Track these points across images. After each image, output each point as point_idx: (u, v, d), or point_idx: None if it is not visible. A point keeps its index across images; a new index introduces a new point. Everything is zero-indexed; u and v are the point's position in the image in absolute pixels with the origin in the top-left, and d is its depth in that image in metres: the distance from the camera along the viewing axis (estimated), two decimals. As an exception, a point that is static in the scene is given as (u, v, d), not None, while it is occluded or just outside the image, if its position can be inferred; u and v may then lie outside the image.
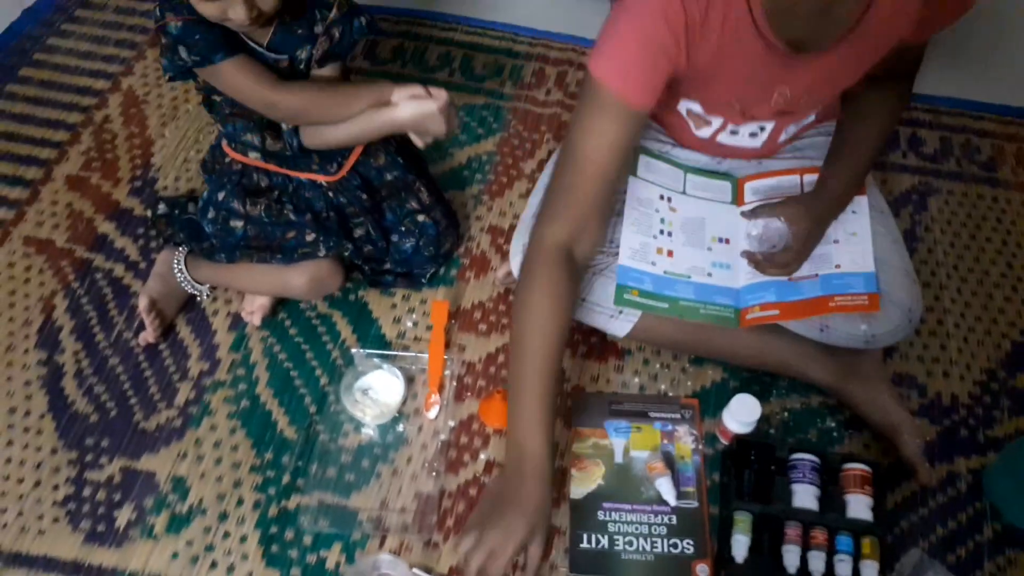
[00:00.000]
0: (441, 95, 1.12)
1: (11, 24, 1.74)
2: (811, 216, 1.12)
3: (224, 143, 1.25)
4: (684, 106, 1.14)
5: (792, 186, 1.20)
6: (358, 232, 1.28)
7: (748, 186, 1.24)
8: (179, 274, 1.30)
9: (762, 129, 1.15)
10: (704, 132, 1.18)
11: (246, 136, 1.20)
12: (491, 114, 1.62)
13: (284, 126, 1.19)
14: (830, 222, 1.14)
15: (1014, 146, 1.56)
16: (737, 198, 1.23)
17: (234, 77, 1.09)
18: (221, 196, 1.24)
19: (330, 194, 1.27)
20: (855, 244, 1.15)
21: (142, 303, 1.26)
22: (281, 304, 1.33)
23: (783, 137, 1.18)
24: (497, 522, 0.94)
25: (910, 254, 1.22)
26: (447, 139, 1.18)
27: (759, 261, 1.14)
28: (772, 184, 1.22)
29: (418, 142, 1.16)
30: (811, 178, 1.19)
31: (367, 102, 1.13)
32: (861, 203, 1.18)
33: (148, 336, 1.27)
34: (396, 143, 1.33)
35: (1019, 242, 1.42)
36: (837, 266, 1.14)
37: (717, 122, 1.15)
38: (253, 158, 1.23)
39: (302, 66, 1.15)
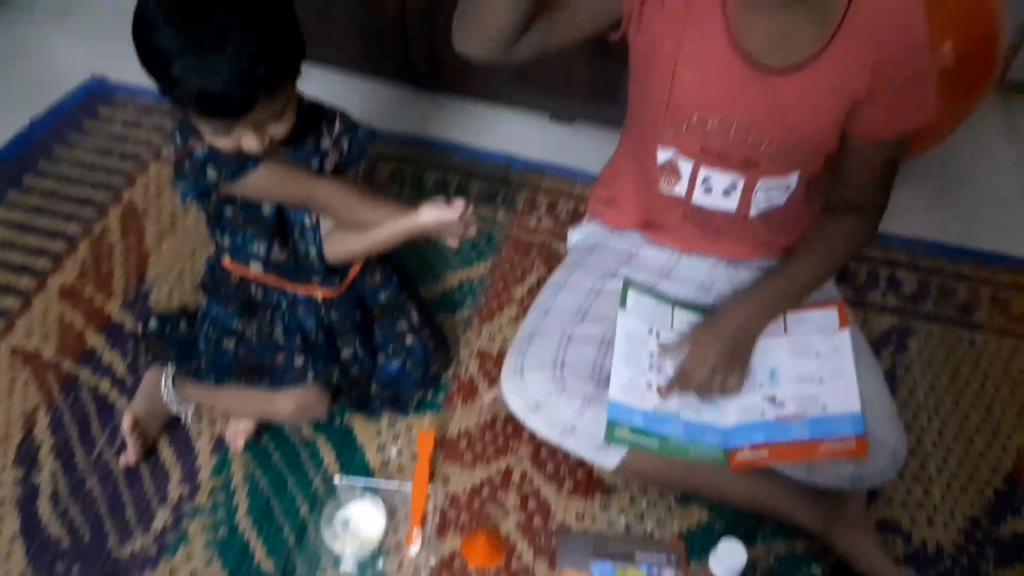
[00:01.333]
0: (459, 204, 1.14)
1: (18, 133, 1.79)
2: (713, 333, 1.15)
3: (226, 258, 1.25)
4: (661, 155, 1.18)
5: (776, 325, 1.22)
6: (346, 352, 1.29)
7: (734, 323, 1.26)
8: (166, 393, 1.29)
9: (734, 187, 1.17)
10: (679, 189, 1.20)
11: (253, 246, 1.20)
12: (483, 239, 1.66)
13: (298, 235, 1.21)
14: (738, 340, 1.16)
15: (989, 290, 1.61)
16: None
17: (269, 178, 1.10)
18: (216, 310, 1.25)
19: (323, 311, 1.28)
20: (840, 383, 1.17)
21: (126, 422, 1.24)
22: (265, 427, 1.32)
23: (755, 207, 1.19)
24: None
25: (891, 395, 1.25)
26: (469, 241, 1.24)
27: (675, 386, 1.16)
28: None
29: (451, 242, 1.17)
30: (794, 316, 1.22)
31: (390, 208, 1.15)
32: (844, 340, 1.20)
33: (129, 457, 1.25)
34: (393, 262, 1.36)
35: (997, 387, 1.45)
36: (824, 407, 1.15)
37: (687, 168, 1.17)
38: (254, 269, 1.23)
39: None
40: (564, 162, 1.82)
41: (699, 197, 1.20)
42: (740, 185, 1.16)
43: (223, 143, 1.04)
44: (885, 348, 1.50)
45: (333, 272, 1.26)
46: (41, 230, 1.61)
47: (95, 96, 1.90)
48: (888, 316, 1.56)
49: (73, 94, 1.89)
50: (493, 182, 1.78)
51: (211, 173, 1.08)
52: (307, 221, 1.19)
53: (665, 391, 1.17)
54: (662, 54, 1.08)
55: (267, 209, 1.16)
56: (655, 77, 1.12)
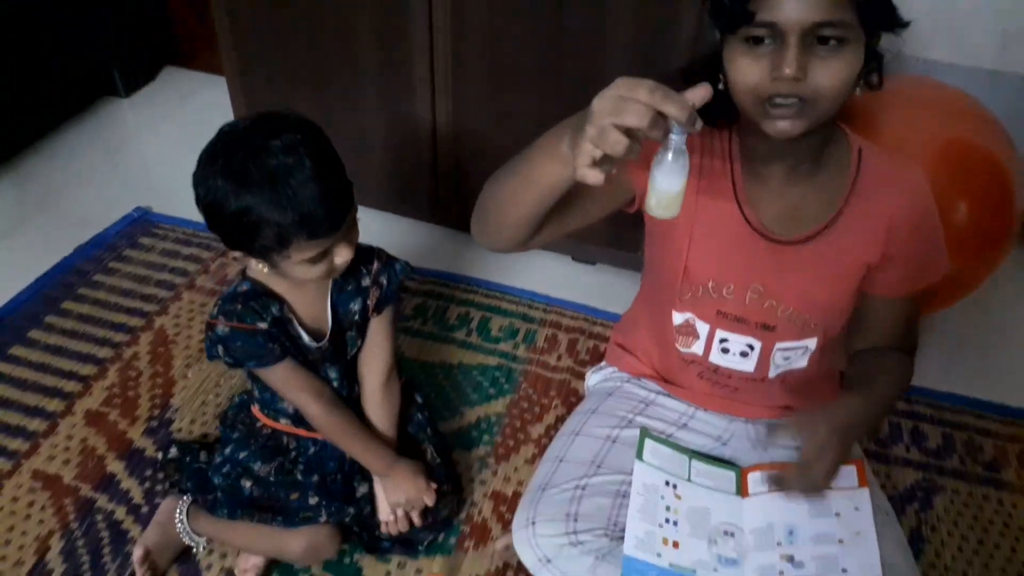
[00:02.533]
0: (421, 502, 1.28)
1: (63, 259, 1.88)
2: (827, 422, 1.01)
3: (255, 407, 1.30)
4: (677, 317, 1.19)
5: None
6: (361, 490, 1.29)
7: (751, 476, 1.24)
8: (179, 524, 1.30)
9: (751, 348, 1.17)
10: (697, 348, 1.20)
11: (281, 404, 1.26)
12: (503, 375, 1.67)
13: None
14: (850, 435, 1.04)
15: (1017, 447, 1.58)
16: (742, 488, 1.24)
17: (273, 380, 1.20)
18: (242, 455, 1.27)
19: (347, 456, 1.30)
20: (860, 545, 1.13)
21: (137, 553, 1.24)
22: (275, 564, 1.30)
23: (773, 370, 1.19)
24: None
25: (917, 556, 1.21)
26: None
27: (784, 481, 1.05)
28: (776, 475, 1.23)
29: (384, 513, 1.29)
30: (813, 472, 1.20)
31: (367, 462, 1.27)
32: (864, 499, 1.18)
33: (137, 589, 1.24)
34: (420, 398, 1.41)
35: (1029, 550, 1.40)
36: (844, 570, 1.12)
37: (704, 330, 1.18)
38: (284, 424, 1.28)
39: (356, 317, 1.24)
40: (586, 301, 1.85)
41: (716, 357, 1.21)
42: (758, 348, 1.18)
43: (319, 270, 1.10)
44: (910, 505, 1.46)
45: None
46: (74, 354, 1.66)
47: (138, 226, 2.00)
48: (912, 471, 1.53)
49: (117, 223, 1.99)
50: (514, 318, 1.81)
51: (220, 351, 1.16)
52: (332, 375, 1.25)
53: (774, 485, 1.11)
54: (676, 226, 1.12)
55: None
56: (669, 247, 1.16)
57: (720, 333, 1.18)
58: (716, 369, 1.23)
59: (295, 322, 1.19)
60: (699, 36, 1.49)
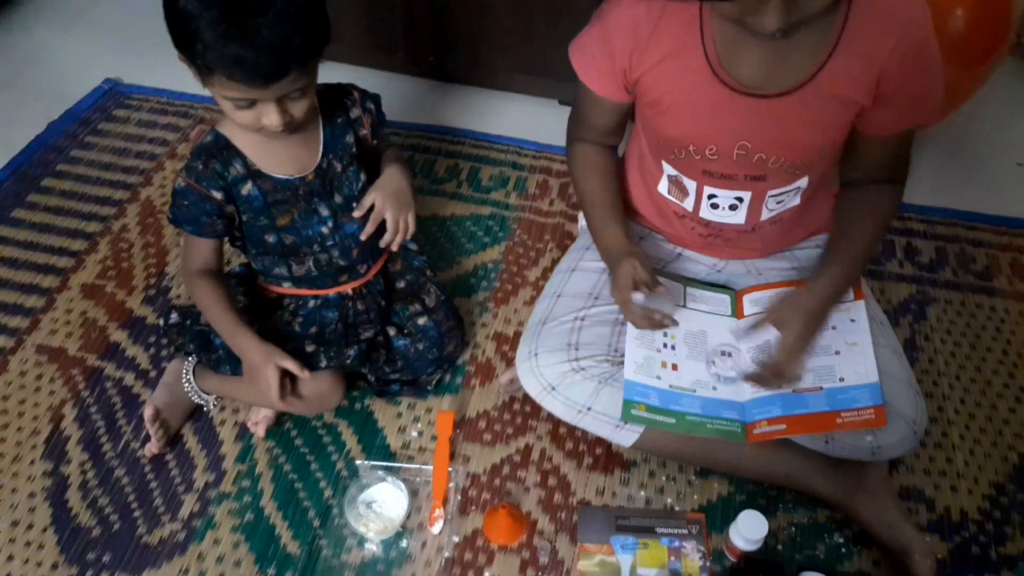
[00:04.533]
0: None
1: (37, 136, 1.82)
2: (801, 314, 1.08)
3: (261, 280, 1.32)
4: (666, 171, 1.19)
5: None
6: (366, 334, 1.31)
7: (747, 298, 1.26)
8: (187, 384, 1.32)
9: (740, 201, 1.17)
10: (687, 203, 1.21)
11: (276, 270, 1.27)
12: (497, 224, 1.66)
13: (318, 248, 1.25)
14: (825, 317, 1.11)
15: (1008, 256, 1.59)
16: (737, 311, 1.26)
17: (185, 244, 1.24)
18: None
19: (349, 303, 1.30)
20: (857, 355, 1.16)
21: (147, 413, 1.27)
22: (287, 414, 1.34)
23: (766, 214, 1.19)
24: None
25: (911, 364, 1.24)
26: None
27: (764, 378, 1.13)
28: (770, 296, 1.24)
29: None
30: (809, 290, 1.22)
31: (238, 348, 1.21)
32: (859, 311, 1.20)
33: (152, 447, 1.27)
34: (417, 245, 1.40)
35: (1020, 352, 1.44)
36: (841, 379, 1.15)
37: (692, 186, 1.18)
38: (287, 287, 1.29)
39: (353, 149, 1.23)
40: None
41: (706, 212, 1.21)
42: (747, 199, 1.17)
43: (243, 118, 1.06)
44: (904, 317, 1.49)
45: (360, 262, 1.29)
46: (62, 230, 1.64)
47: (109, 98, 1.93)
48: (906, 285, 1.55)
49: (87, 97, 1.92)
50: (504, 166, 1.78)
51: (172, 203, 1.18)
52: (324, 230, 1.23)
53: (750, 379, 1.14)
54: (654, 98, 1.10)
55: (271, 239, 1.21)
56: (650, 115, 1.14)
57: (708, 190, 1.17)
58: (707, 223, 1.22)
59: (263, 172, 1.17)
60: None
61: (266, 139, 1.14)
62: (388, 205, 1.23)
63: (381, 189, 1.25)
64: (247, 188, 1.17)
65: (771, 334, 1.13)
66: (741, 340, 1.19)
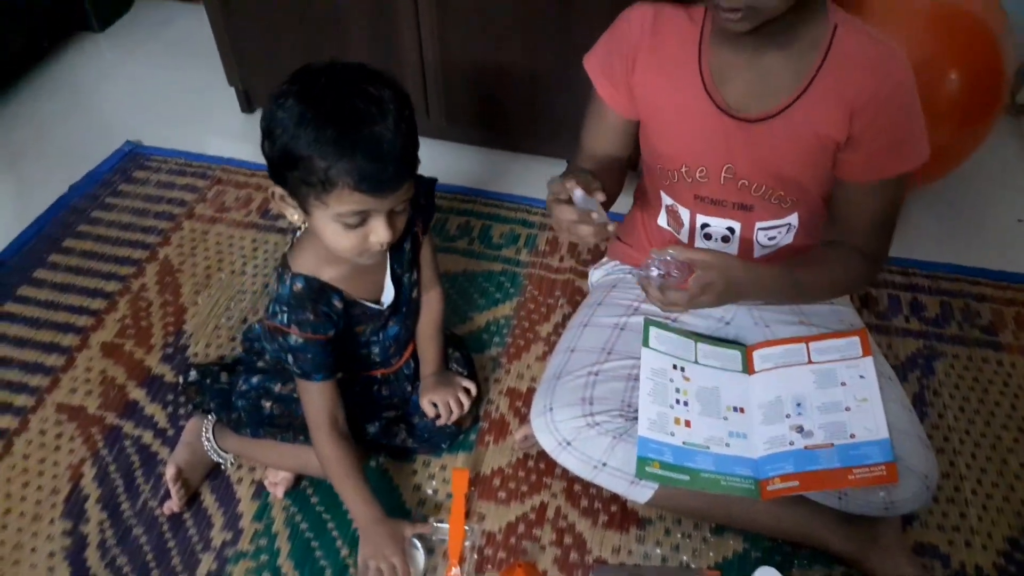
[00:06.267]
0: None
1: (59, 198, 1.87)
2: (723, 270, 1.07)
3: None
4: (664, 202, 1.23)
5: (799, 354, 1.24)
6: (387, 414, 1.34)
7: (757, 354, 1.28)
8: (207, 442, 1.33)
9: (732, 232, 1.20)
10: (683, 234, 1.25)
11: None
12: (508, 280, 1.70)
13: (362, 344, 1.27)
14: (739, 291, 1.11)
15: (1013, 310, 1.62)
16: (747, 367, 1.28)
17: (310, 394, 1.18)
18: (257, 381, 1.30)
19: (375, 387, 1.34)
20: (867, 411, 1.18)
21: (169, 472, 1.28)
22: (304, 476, 1.35)
23: (759, 250, 1.22)
24: None
25: (921, 419, 1.25)
26: None
27: (648, 288, 1.10)
28: (779, 352, 1.26)
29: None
30: (817, 345, 1.24)
31: (352, 509, 1.21)
32: (868, 367, 1.21)
33: (173, 505, 1.28)
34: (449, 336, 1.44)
35: (1028, 406, 1.45)
36: (852, 435, 1.16)
37: (686, 216, 1.21)
38: None
39: (409, 255, 1.24)
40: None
41: (700, 243, 1.24)
42: (738, 230, 1.20)
43: (348, 240, 1.04)
44: (912, 372, 1.51)
45: (394, 354, 1.32)
46: (82, 289, 1.67)
47: (130, 160, 1.98)
48: (913, 340, 1.57)
49: (108, 159, 1.98)
50: (515, 224, 1.82)
51: (289, 359, 1.14)
52: (368, 329, 1.25)
53: (656, 293, 1.09)
54: (649, 112, 1.16)
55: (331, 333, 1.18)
56: (647, 133, 1.19)
57: (700, 218, 1.21)
58: None
59: (357, 300, 1.19)
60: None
61: (348, 266, 1.14)
62: (438, 400, 1.33)
63: (426, 392, 1.33)
64: (345, 317, 1.18)
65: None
66: (763, 322, 1.20)
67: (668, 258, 1.06)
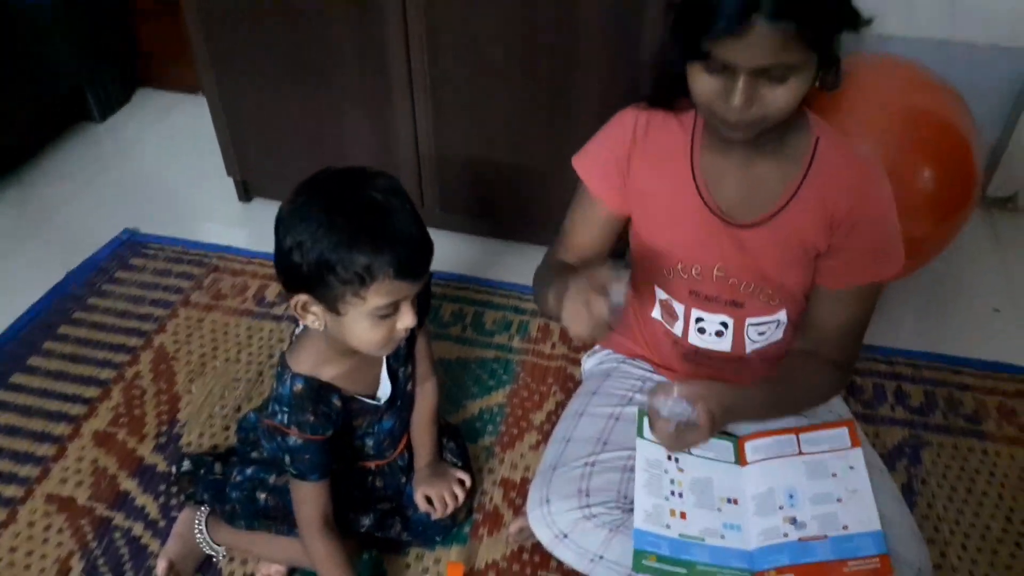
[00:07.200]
0: None
1: (55, 284, 1.89)
2: (719, 404, 1.11)
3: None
4: (658, 296, 1.26)
5: (789, 445, 1.26)
6: (381, 506, 1.34)
7: (748, 445, 1.29)
8: (199, 534, 1.32)
9: (725, 327, 1.23)
10: (677, 329, 1.27)
11: None
12: (501, 367, 1.72)
13: (357, 438, 1.28)
14: (727, 418, 1.15)
15: (995, 399, 1.65)
16: (740, 457, 1.29)
17: (304, 493, 1.18)
18: (252, 472, 1.30)
19: (369, 477, 1.34)
20: (858, 502, 1.19)
21: (160, 566, 1.27)
22: (297, 569, 1.33)
23: (750, 345, 1.25)
24: None
25: (911, 508, 1.26)
26: None
27: (669, 435, 1.12)
28: (770, 443, 1.28)
29: None
30: (807, 436, 1.25)
31: None
32: (857, 458, 1.23)
33: (164, 601, 1.27)
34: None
35: (1015, 496, 1.47)
36: (845, 527, 1.17)
37: (680, 310, 1.24)
38: None
39: (403, 351, 1.26)
40: (574, 291, 1.90)
41: (694, 338, 1.27)
42: (731, 325, 1.24)
43: (379, 332, 1.06)
44: (899, 461, 1.53)
45: (388, 447, 1.33)
46: (76, 377, 1.67)
47: (127, 247, 2.01)
48: (899, 429, 1.59)
49: (107, 246, 2.01)
50: (507, 311, 1.86)
51: (286, 458, 1.16)
52: (364, 423, 1.26)
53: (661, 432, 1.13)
54: (644, 212, 1.21)
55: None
56: (640, 231, 1.24)
57: (695, 312, 1.25)
58: (696, 351, 1.28)
59: (355, 397, 1.21)
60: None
61: (348, 363, 1.17)
62: (433, 494, 1.34)
63: (420, 485, 1.34)
64: (343, 413, 1.20)
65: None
66: (659, 399, 1.15)
67: (676, 395, 1.10)
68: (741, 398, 1.18)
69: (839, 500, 1.20)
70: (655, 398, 1.11)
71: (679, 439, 1.12)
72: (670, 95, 1.13)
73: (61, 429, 1.56)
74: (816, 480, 1.22)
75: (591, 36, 1.61)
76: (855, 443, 1.25)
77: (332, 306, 1.04)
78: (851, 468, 1.23)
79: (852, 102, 1.53)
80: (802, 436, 1.27)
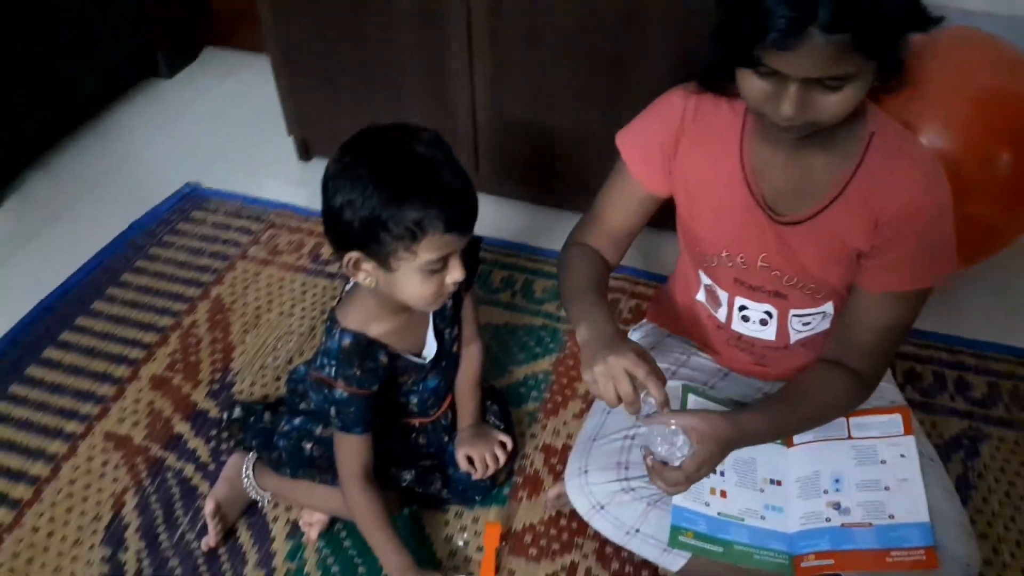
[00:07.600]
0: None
1: (120, 233, 1.95)
2: (718, 440, 1.06)
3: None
4: (704, 281, 1.23)
5: (839, 428, 1.22)
6: (423, 462, 1.35)
7: (795, 427, 1.27)
8: (246, 479, 1.36)
9: (770, 316, 1.20)
10: (720, 314, 1.24)
11: None
12: (548, 335, 1.71)
13: (403, 394, 1.30)
14: (732, 447, 1.09)
15: (1063, 395, 1.58)
16: (786, 439, 1.27)
17: (347, 446, 1.21)
18: (299, 422, 1.33)
19: (413, 434, 1.36)
20: (907, 492, 1.15)
21: (208, 507, 1.31)
22: (338, 519, 1.36)
23: (794, 335, 1.22)
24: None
25: (964, 502, 1.22)
26: None
27: (652, 468, 1.08)
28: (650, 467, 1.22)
29: None
30: (857, 420, 1.22)
31: (382, 558, 1.23)
32: (910, 447, 1.19)
33: (210, 540, 1.31)
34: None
35: (1076, 495, 1.41)
36: (891, 516, 1.14)
37: (725, 297, 1.21)
38: None
39: (450, 312, 1.27)
40: (627, 263, 1.87)
41: (737, 325, 1.24)
42: (775, 315, 1.20)
43: (430, 286, 1.07)
44: (956, 453, 1.48)
45: (433, 405, 1.35)
46: (136, 323, 1.73)
47: (189, 200, 2.06)
48: (958, 420, 1.54)
49: (170, 198, 2.06)
50: (556, 280, 1.84)
51: (332, 411, 1.18)
52: (409, 380, 1.27)
53: (653, 473, 1.09)
54: (689, 196, 1.17)
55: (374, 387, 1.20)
56: (685, 217, 1.20)
57: (739, 300, 1.21)
58: (739, 337, 1.26)
59: (401, 355, 1.22)
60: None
61: (396, 321, 1.18)
62: (474, 454, 1.35)
63: (462, 445, 1.35)
64: (389, 370, 1.21)
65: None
66: (655, 426, 1.09)
67: (673, 428, 1.06)
68: (744, 431, 1.09)
69: (887, 488, 1.17)
70: (650, 427, 1.07)
71: (665, 478, 1.07)
72: (722, 81, 1.09)
73: (121, 371, 1.62)
74: (864, 466, 1.19)
75: (658, 7, 1.57)
76: (908, 430, 1.21)
77: (384, 262, 1.05)
78: (902, 456, 1.19)
79: (934, 74, 1.46)
80: (852, 420, 1.23)
